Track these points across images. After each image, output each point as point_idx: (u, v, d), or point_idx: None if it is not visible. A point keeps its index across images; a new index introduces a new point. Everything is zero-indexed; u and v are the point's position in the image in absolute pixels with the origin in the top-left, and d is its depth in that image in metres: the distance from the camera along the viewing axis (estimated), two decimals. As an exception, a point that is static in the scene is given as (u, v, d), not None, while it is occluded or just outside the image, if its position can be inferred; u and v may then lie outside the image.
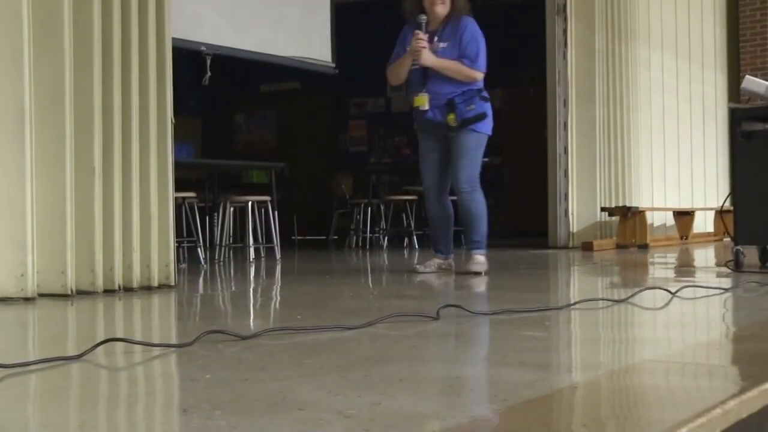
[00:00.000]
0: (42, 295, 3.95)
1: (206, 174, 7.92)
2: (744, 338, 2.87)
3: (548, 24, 8.92)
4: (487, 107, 5.31)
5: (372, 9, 12.33)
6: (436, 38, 5.29)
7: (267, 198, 7.31)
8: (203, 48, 6.73)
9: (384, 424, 1.59)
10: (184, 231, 6.96)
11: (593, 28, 8.97)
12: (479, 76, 5.28)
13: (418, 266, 5.44)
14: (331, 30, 8.34)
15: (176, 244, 5.92)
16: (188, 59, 9.19)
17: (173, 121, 4.72)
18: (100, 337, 2.49)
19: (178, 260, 6.05)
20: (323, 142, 13.17)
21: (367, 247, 9.40)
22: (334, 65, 8.40)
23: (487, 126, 5.32)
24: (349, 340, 2.67)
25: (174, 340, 2.83)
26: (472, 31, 5.32)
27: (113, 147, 4.28)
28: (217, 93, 12.44)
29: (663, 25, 10.34)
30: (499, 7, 12.28)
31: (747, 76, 5.72)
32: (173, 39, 5.01)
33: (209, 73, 6.86)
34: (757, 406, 1.83)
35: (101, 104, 4.23)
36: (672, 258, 7.28)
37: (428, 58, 5.20)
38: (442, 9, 5.30)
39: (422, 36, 5.21)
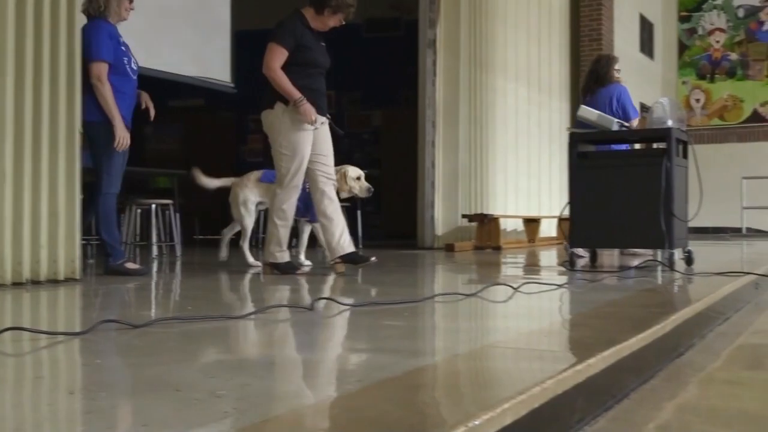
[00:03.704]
0: (-48, 287, 3.77)
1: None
2: (569, 327, 2.96)
3: (420, 55, 9.04)
4: None
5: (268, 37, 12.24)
6: None
7: (169, 201, 7.17)
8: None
9: (250, 402, 1.58)
10: (92, 230, 6.74)
11: (458, 60, 9.13)
12: None
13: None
14: (231, 54, 8.26)
15: (84, 242, 5.75)
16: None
17: (81, 131, 4.58)
18: (5, 326, 2.39)
19: (86, 256, 5.88)
20: (224, 153, 12.99)
21: (260, 245, 9.29)
22: (233, 85, 8.33)
23: None
24: (231, 329, 2.64)
25: (75, 329, 2.74)
26: None
27: (24, 153, 4.12)
28: (128, 106, 12.02)
29: (518, 60, 10.60)
30: (382, 39, 12.39)
31: (582, 106, 5.92)
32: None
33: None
34: (570, 384, 1.89)
35: (14, 114, 4.06)
36: (520, 258, 7.45)
37: None
38: None
39: None
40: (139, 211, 7.17)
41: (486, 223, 8.83)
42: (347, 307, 3.17)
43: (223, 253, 6.01)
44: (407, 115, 10.75)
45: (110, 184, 4.87)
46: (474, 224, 8.98)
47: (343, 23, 5.04)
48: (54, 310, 3.59)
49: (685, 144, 5.60)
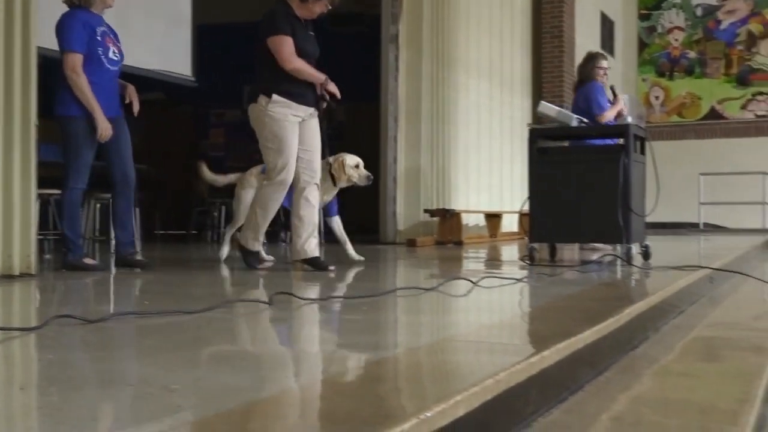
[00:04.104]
0: None
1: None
2: (526, 320, 2.99)
3: (383, 50, 9.04)
4: None
5: (229, 30, 12.17)
6: None
7: (129, 196, 7.06)
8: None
9: (202, 396, 1.57)
10: (50, 225, 6.64)
11: (421, 55, 9.14)
12: None
13: None
14: (192, 47, 8.19)
15: (41, 237, 5.67)
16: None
17: (38, 124, 4.50)
18: (-47, 322, 2.35)
19: (42, 251, 5.79)
20: (186, 147, 12.86)
21: (221, 241, 9.23)
22: (194, 79, 8.26)
23: None
24: (187, 324, 2.61)
25: (30, 325, 2.70)
26: None
27: (-23, 146, 4.05)
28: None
29: (480, 56, 10.63)
30: (347, 33, 12.37)
31: (542, 102, 5.95)
32: (45, 48, 4.78)
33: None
34: (524, 376, 1.91)
35: (-34, 107, 3.99)
36: (481, 253, 7.50)
37: None
38: None
39: None
40: (98, 205, 7.07)
41: (448, 218, 8.85)
42: (307, 301, 3.16)
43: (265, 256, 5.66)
44: (371, 111, 10.75)
45: (77, 179, 4.80)
46: (436, 219, 9.00)
47: (330, 8, 4.94)
48: (9, 306, 3.54)
49: (642, 140, 5.67)
